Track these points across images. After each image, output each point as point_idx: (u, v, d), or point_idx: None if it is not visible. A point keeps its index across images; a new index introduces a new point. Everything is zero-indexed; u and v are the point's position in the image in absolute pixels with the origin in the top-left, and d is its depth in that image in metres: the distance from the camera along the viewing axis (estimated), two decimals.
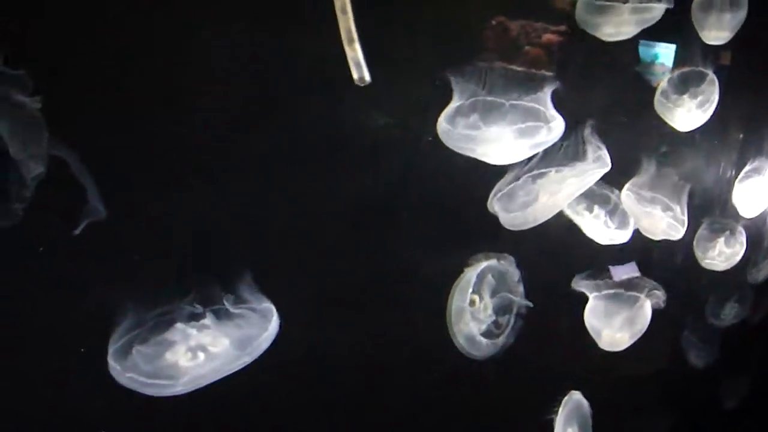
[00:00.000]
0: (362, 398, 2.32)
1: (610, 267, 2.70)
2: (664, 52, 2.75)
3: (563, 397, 2.59)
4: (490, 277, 2.39)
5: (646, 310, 2.63)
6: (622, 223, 2.59)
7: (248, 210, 1.99)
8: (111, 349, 1.67)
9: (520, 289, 2.43)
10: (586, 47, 2.45)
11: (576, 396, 2.65)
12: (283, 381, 2.06)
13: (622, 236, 2.60)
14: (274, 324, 1.80)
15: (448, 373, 2.46)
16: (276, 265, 2.01)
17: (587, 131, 2.27)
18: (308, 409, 2.21)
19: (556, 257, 2.54)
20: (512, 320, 2.44)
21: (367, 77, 1.90)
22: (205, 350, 1.76)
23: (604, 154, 2.26)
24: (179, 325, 1.77)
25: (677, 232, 2.67)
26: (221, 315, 1.81)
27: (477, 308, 2.37)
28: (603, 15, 2.39)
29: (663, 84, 2.66)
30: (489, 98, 2.08)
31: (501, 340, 2.43)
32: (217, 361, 1.75)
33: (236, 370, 1.77)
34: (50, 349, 1.75)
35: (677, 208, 2.63)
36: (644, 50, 2.73)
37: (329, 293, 2.15)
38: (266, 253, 2.02)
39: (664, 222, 2.60)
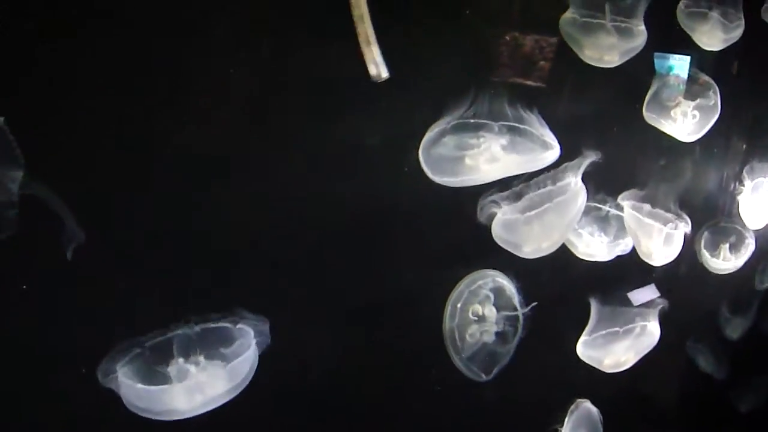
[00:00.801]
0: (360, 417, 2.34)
1: (629, 294, 2.69)
2: (679, 64, 2.74)
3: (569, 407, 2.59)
4: (487, 291, 2.40)
5: (650, 330, 2.61)
6: (618, 236, 2.58)
7: (242, 233, 2.01)
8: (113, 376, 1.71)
9: (518, 300, 2.43)
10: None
11: (584, 404, 2.63)
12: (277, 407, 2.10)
13: (619, 249, 2.59)
14: (253, 350, 1.84)
15: (448, 387, 2.46)
16: (270, 285, 2.04)
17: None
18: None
19: (555, 269, 2.51)
20: (514, 333, 2.43)
21: (385, 74, 1.94)
22: (202, 392, 1.79)
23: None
24: (179, 362, 1.79)
25: (677, 245, 2.64)
26: (215, 346, 1.83)
27: (477, 322, 2.38)
28: (586, 34, 2.40)
29: (652, 92, 2.67)
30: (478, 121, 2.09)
31: (504, 352, 2.45)
32: (211, 401, 1.79)
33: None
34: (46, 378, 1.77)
35: (675, 220, 2.61)
36: (659, 62, 2.72)
37: (323, 309, 2.17)
38: (261, 272, 2.04)
39: (663, 234, 2.57)
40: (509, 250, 2.26)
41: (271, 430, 2.17)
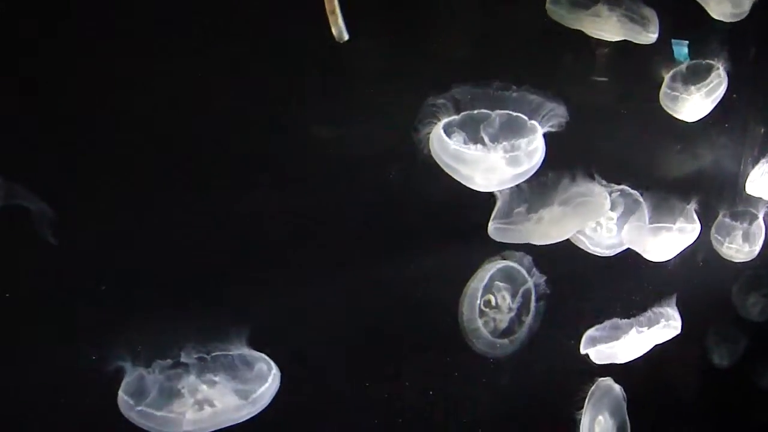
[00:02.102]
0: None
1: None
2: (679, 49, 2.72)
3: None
4: (500, 277, 2.41)
5: (659, 333, 2.60)
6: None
7: (253, 249, 2.05)
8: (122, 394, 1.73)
9: (533, 282, 2.44)
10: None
11: (605, 383, 2.60)
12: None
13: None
14: (275, 378, 1.86)
15: (467, 373, 2.49)
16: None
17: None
18: None
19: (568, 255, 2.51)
20: (529, 310, 2.45)
21: (345, 35, 1.99)
22: (211, 405, 1.80)
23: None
24: (191, 378, 1.81)
25: (692, 234, 2.62)
26: (226, 365, 1.85)
27: (493, 308, 2.40)
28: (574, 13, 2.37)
29: (668, 76, 2.63)
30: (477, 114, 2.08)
31: (518, 338, 2.45)
32: (221, 416, 1.80)
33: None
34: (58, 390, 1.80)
35: (682, 219, 2.58)
36: (676, 49, 2.71)
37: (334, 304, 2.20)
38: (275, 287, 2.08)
39: (674, 232, 2.56)
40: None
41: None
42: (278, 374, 1.86)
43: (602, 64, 2.56)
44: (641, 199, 2.50)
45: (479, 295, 2.36)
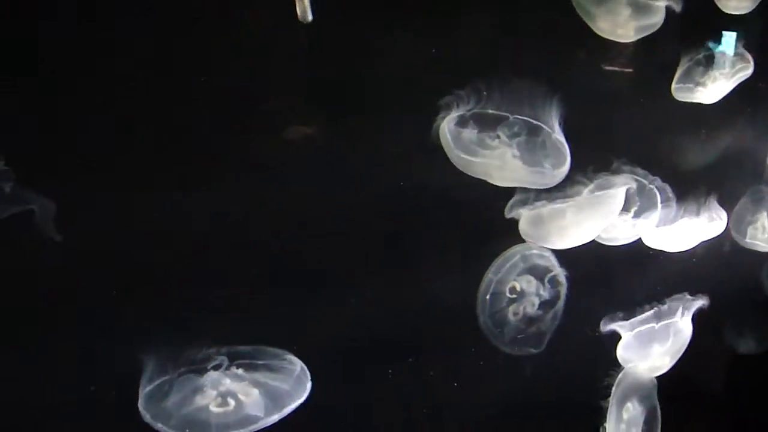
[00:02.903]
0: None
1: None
2: (726, 40, 2.71)
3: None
4: (524, 264, 2.43)
5: (683, 328, 2.57)
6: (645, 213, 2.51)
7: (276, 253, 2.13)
8: (142, 395, 1.76)
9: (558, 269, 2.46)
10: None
11: (632, 370, 2.57)
12: None
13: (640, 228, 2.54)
14: (306, 382, 1.89)
15: (490, 363, 2.52)
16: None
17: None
18: None
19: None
20: (557, 296, 2.47)
21: (310, 17, 2.04)
22: (235, 398, 1.82)
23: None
24: (213, 373, 1.82)
25: (716, 226, 2.59)
26: (253, 366, 1.87)
27: (517, 295, 2.43)
28: (599, 5, 2.35)
29: (682, 70, 2.62)
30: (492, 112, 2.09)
31: (545, 325, 2.48)
32: (246, 411, 1.81)
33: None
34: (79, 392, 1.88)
35: (706, 212, 2.57)
36: (715, 43, 2.70)
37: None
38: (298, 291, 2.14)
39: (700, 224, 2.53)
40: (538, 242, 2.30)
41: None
42: (306, 373, 1.91)
43: (619, 55, 2.57)
44: (662, 190, 2.47)
45: (503, 281, 2.40)
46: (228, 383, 1.84)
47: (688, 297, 2.54)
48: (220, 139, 2.06)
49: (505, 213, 2.27)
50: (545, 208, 2.21)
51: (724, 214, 2.61)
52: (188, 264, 2.00)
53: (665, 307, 2.53)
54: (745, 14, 2.65)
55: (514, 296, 2.43)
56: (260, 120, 2.13)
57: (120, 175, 1.92)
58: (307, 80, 2.20)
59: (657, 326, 2.50)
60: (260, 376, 1.88)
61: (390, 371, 2.38)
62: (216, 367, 1.84)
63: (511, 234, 2.33)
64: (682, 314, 2.54)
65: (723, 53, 2.71)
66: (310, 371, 1.97)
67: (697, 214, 2.55)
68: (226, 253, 2.08)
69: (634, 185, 2.38)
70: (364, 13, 2.17)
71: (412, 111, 2.21)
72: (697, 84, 2.62)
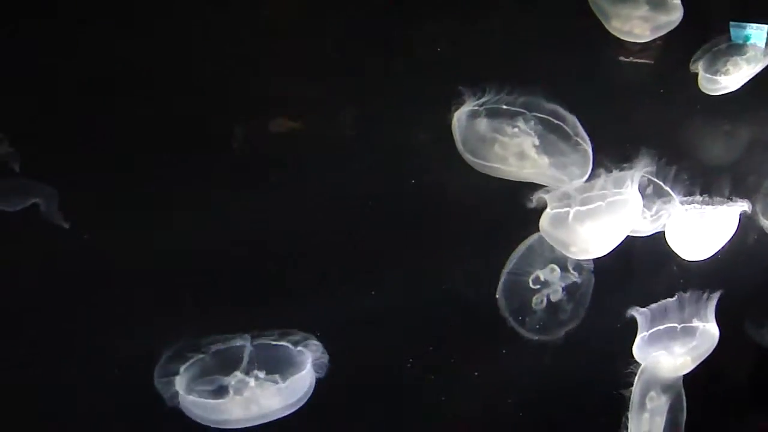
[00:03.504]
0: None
1: None
2: (756, 33, 2.64)
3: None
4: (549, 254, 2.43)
5: (709, 330, 2.51)
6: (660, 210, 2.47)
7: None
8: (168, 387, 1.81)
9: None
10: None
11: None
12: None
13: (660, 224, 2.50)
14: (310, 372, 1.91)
15: (513, 353, 2.53)
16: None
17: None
18: None
19: None
20: (577, 296, 2.47)
21: None
22: (258, 404, 1.86)
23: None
24: (238, 374, 1.86)
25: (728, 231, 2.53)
26: (274, 363, 1.90)
27: (540, 288, 2.44)
28: (614, 5, 2.33)
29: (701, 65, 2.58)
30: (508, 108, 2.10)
31: (568, 315, 2.50)
32: (266, 411, 1.86)
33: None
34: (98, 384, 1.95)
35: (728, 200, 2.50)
36: (735, 31, 2.63)
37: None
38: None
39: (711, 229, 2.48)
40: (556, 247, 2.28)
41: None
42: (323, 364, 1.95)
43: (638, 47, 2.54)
44: (681, 185, 2.46)
45: (526, 270, 2.41)
46: (251, 385, 1.89)
47: (711, 297, 2.50)
48: (238, 133, 2.14)
49: (528, 203, 2.25)
50: (570, 210, 2.18)
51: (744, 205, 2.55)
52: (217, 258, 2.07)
53: (687, 309, 2.50)
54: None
55: (538, 286, 2.45)
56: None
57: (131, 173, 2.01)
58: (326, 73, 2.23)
59: (679, 327, 2.48)
60: (281, 377, 1.92)
61: (410, 360, 2.42)
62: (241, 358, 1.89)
63: (533, 223, 2.32)
64: (706, 317, 2.49)
65: (755, 45, 2.65)
66: (330, 360, 2.01)
67: (717, 218, 2.49)
68: (250, 246, 2.14)
69: (650, 187, 2.36)
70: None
71: (431, 104, 2.23)
72: (720, 72, 2.57)
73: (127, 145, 2.00)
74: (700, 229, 2.49)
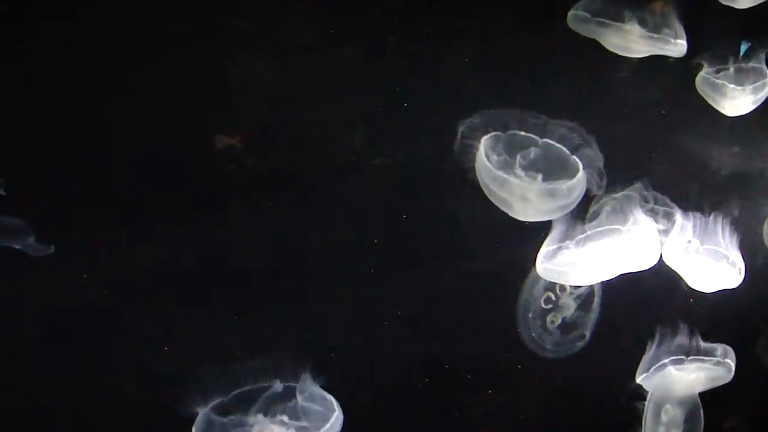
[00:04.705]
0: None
1: None
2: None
3: None
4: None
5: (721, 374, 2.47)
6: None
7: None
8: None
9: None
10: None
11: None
12: None
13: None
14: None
15: (525, 369, 2.57)
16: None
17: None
18: None
19: None
20: (589, 314, 2.49)
21: None
22: None
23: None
24: (260, 417, 1.86)
25: (734, 281, 2.44)
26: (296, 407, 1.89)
27: (554, 303, 2.47)
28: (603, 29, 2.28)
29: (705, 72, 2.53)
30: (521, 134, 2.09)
31: (579, 333, 2.52)
32: None
33: None
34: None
35: (730, 254, 2.40)
36: (745, 50, 2.65)
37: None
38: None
39: (719, 270, 2.40)
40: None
41: None
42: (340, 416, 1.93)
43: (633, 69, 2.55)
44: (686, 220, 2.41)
45: (539, 288, 2.43)
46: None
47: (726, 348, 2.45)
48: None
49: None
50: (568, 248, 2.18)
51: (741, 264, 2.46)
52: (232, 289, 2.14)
53: (701, 347, 2.45)
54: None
55: (550, 306, 2.48)
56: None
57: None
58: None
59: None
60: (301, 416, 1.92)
61: (426, 379, 2.47)
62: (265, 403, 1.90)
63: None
64: (721, 359, 2.45)
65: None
66: (344, 380, 2.05)
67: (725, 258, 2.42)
68: (268, 254, 2.21)
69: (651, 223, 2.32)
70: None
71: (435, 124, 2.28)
72: (725, 96, 2.57)
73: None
74: (698, 268, 2.45)
